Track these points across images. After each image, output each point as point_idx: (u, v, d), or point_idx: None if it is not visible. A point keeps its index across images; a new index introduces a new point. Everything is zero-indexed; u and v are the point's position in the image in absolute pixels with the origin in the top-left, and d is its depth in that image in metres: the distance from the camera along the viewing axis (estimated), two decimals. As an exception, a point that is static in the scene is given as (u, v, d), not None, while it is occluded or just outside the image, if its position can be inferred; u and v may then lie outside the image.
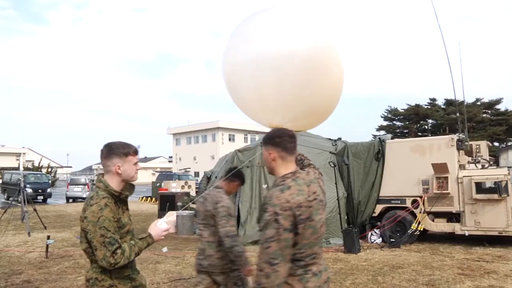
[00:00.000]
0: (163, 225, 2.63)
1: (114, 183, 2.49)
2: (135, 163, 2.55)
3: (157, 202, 15.90)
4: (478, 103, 46.92)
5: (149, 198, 24.79)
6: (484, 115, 47.23)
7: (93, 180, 25.81)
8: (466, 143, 10.10)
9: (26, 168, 37.67)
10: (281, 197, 2.08)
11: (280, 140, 2.29)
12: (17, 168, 33.88)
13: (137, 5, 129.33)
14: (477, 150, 10.90)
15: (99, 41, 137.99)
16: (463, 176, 9.39)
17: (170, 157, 74.41)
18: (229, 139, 61.07)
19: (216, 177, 12.13)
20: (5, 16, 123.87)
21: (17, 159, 56.18)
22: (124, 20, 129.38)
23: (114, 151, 2.50)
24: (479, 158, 10.52)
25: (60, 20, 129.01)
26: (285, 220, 2.03)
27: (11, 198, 20.01)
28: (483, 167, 10.24)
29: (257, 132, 61.41)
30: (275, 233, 2.02)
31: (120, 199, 2.51)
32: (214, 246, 3.47)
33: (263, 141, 2.39)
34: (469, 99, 44.41)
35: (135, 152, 2.56)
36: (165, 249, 8.87)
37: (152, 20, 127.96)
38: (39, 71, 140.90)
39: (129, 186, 2.61)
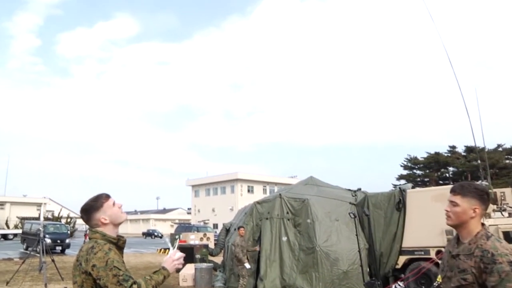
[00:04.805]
0: (173, 253, 2.61)
1: (109, 231, 2.52)
2: (113, 204, 2.58)
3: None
4: (500, 149, 46.22)
5: (167, 250, 24.53)
6: (507, 161, 46.38)
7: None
8: (490, 190, 9.85)
9: (46, 218, 38.03)
10: (505, 246, 2.15)
11: (488, 197, 2.33)
12: (38, 218, 34.24)
13: (160, 59, 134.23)
14: (502, 198, 10.58)
15: (121, 93, 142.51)
16: (489, 225, 9.07)
17: (189, 208, 74.17)
18: (248, 191, 60.87)
19: (234, 229, 11.96)
20: (36, 71, 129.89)
21: (37, 209, 56.93)
22: (146, 73, 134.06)
23: (90, 210, 2.54)
24: (504, 206, 10.21)
25: (84, 74, 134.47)
26: None
27: (30, 248, 20.09)
28: (510, 215, 9.91)
29: (276, 184, 61.28)
30: None
31: (117, 246, 2.52)
32: None
33: (464, 191, 2.36)
34: (490, 145, 43.91)
35: (107, 196, 2.60)
36: None
37: (174, 73, 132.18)
38: (62, 122, 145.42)
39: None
